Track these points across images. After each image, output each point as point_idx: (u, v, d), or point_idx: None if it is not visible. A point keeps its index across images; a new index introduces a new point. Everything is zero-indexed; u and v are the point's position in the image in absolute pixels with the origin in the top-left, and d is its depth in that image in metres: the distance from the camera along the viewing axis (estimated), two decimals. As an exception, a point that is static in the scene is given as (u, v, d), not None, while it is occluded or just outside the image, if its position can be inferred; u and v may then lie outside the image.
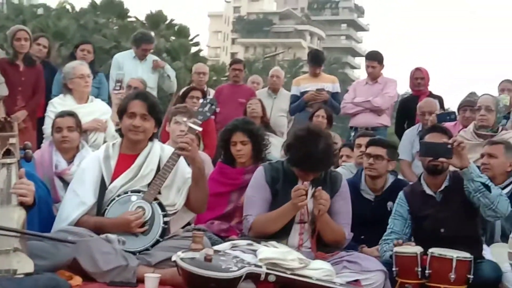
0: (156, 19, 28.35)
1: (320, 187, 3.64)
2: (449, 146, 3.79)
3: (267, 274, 3.24)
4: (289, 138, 3.92)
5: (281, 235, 3.75)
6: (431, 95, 7.21)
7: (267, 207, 3.80)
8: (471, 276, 3.58)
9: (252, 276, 3.21)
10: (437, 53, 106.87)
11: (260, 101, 7.06)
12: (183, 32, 29.28)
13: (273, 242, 3.64)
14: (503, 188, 4.58)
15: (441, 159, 3.87)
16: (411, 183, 4.55)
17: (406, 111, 7.32)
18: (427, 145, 3.97)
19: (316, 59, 7.85)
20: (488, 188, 3.75)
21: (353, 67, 75.27)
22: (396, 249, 3.73)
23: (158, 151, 3.80)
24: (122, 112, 3.78)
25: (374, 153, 4.51)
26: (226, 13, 77.93)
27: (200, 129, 3.75)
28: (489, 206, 3.76)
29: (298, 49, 68.39)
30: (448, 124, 6.18)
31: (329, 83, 7.71)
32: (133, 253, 3.51)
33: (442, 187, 3.96)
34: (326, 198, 3.63)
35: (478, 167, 4.85)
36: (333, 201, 3.76)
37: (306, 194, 3.60)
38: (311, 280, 3.30)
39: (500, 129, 5.70)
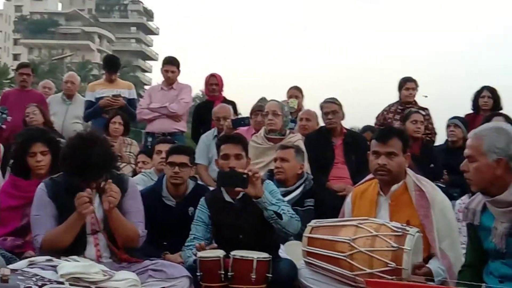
0: None
1: (110, 180, 3.61)
2: (245, 175, 3.90)
3: (70, 290, 3.10)
4: (64, 148, 3.78)
5: (76, 249, 3.63)
6: (225, 100, 7.47)
7: (55, 223, 3.67)
8: (270, 275, 3.74)
9: (53, 294, 3.06)
10: (227, 58, 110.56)
11: (39, 107, 6.71)
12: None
13: (74, 257, 3.50)
14: (294, 190, 4.92)
15: (237, 189, 3.99)
16: (212, 188, 4.66)
17: (201, 116, 7.50)
18: (224, 175, 4.05)
19: (111, 64, 7.70)
20: (279, 216, 3.93)
21: (144, 71, 75.06)
22: (200, 254, 3.79)
23: None
24: None
25: (178, 161, 4.54)
26: (6, 12, 73.07)
27: None
28: (281, 230, 3.98)
29: (87, 52, 66.50)
30: (242, 129, 6.47)
31: (125, 89, 7.62)
32: None
33: (241, 195, 4.09)
34: (116, 190, 3.60)
35: (272, 170, 5.17)
36: (123, 201, 3.74)
37: (91, 201, 3.53)
38: (117, 293, 3.22)
39: (288, 132, 6.08)
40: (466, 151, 3.19)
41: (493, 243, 3.13)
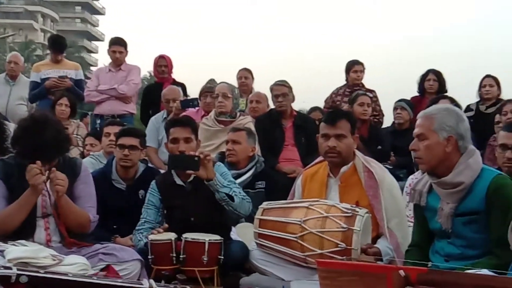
0: None
1: (54, 168, 3.55)
2: (196, 158, 3.90)
3: (18, 275, 3.02)
4: (15, 130, 3.72)
5: (26, 232, 3.57)
6: (174, 82, 7.40)
7: (5, 203, 3.60)
8: (222, 257, 3.76)
9: (1, 279, 2.98)
10: (175, 41, 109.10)
11: None
12: None
13: (22, 241, 3.44)
14: (245, 172, 4.94)
15: (188, 171, 3.98)
16: (162, 171, 4.64)
17: (150, 98, 7.42)
18: (175, 158, 4.04)
19: (57, 44, 7.52)
20: (231, 198, 3.95)
21: (90, 51, 73.56)
22: (151, 237, 3.77)
23: None
24: None
25: (128, 144, 4.49)
26: None
27: None
28: (232, 212, 4.00)
29: (30, 31, 64.62)
30: (191, 110, 6.44)
31: (72, 70, 7.46)
32: None
33: (192, 178, 4.08)
34: (62, 177, 3.54)
35: (223, 152, 5.18)
36: (74, 186, 3.70)
37: (42, 173, 3.47)
38: (67, 277, 3.17)
39: (238, 114, 6.09)
40: (417, 130, 3.26)
41: (439, 223, 3.23)
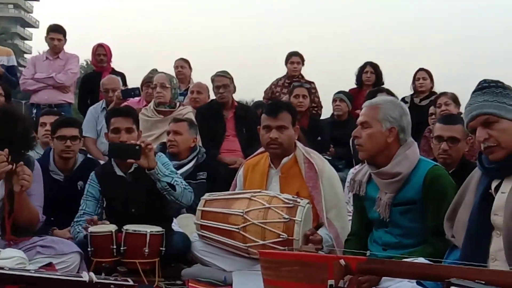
0: None
1: (22, 162, 3.44)
2: (137, 147, 3.85)
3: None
4: None
5: None
6: (113, 71, 7.28)
7: None
8: (163, 249, 3.75)
9: None
10: (114, 29, 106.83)
11: None
12: None
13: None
14: (187, 163, 4.91)
15: (129, 160, 3.93)
16: (102, 162, 4.56)
17: (89, 88, 7.28)
18: (116, 147, 3.98)
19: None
20: (173, 187, 3.93)
21: (24, 38, 71.32)
22: (91, 229, 3.72)
23: None
24: None
25: (69, 134, 4.39)
26: None
27: None
28: (174, 201, 3.99)
29: (-40, 16, 62.15)
30: (132, 100, 6.35)
31: (4, 56, 7.17)
32: None
33: (132, 168, 4.04)
34: (29, 173, 3.45)
35: (164, 143, 5.13)
36: None
37: (7, 161, 3.35)
38: (4, 271, 3.08)
39: (178, 105, 6.05)
40: (361, 118, 3.33)
41: (378, 212, 3.31)
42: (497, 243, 2.61)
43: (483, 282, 2.11)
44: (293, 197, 3.58)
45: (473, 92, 2.69)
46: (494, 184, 2.67)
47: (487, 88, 2.64)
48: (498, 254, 2.59)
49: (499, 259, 2.58)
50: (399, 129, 3.27)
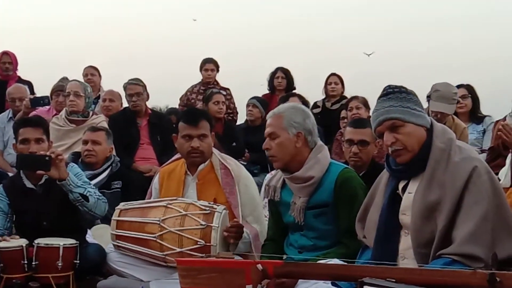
0: None
1: None
2: (47, 158, 3.75)
3: None
4: None
5: None
6: (20, 80, 7.05)
7: None
8: (78, 261, 3.67)
9: None
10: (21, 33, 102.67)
11: None
12: None
13: None
14: (101, 173, 4.81)
15: (39, 172, 3.81)
16: (11, 175, 4.40)
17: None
18: (24, 158, 3.85)
19: None
20: (86, 198, 3.84)
21: None
22: (0, 244, 3.58)
23: None
24: None
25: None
26: None
27: None
28: (87, 212, 3.89)
29: None
30: (42, 109, 6.16)
31: None
32: None
33: (43, 180, 3.92)
34: None
35: (77, 153, 5.01)
36: None
37: None
38: None
39: (91, 114, 5.91)
40: (268, 130, 3.39)
41: (292, 216, 3.38)
42: (405, 242, 2.72)
43: (394, 280, 2.20)
44: (209, 203, 3.59)
45: (379, 98, 2.80)
46: (401, 185, 2.79)
47: (392, 93, 2.75)
48: (407, 252, 2.70)
49: (408, 257, 2.70)
50: (305, 133, 3.36)
